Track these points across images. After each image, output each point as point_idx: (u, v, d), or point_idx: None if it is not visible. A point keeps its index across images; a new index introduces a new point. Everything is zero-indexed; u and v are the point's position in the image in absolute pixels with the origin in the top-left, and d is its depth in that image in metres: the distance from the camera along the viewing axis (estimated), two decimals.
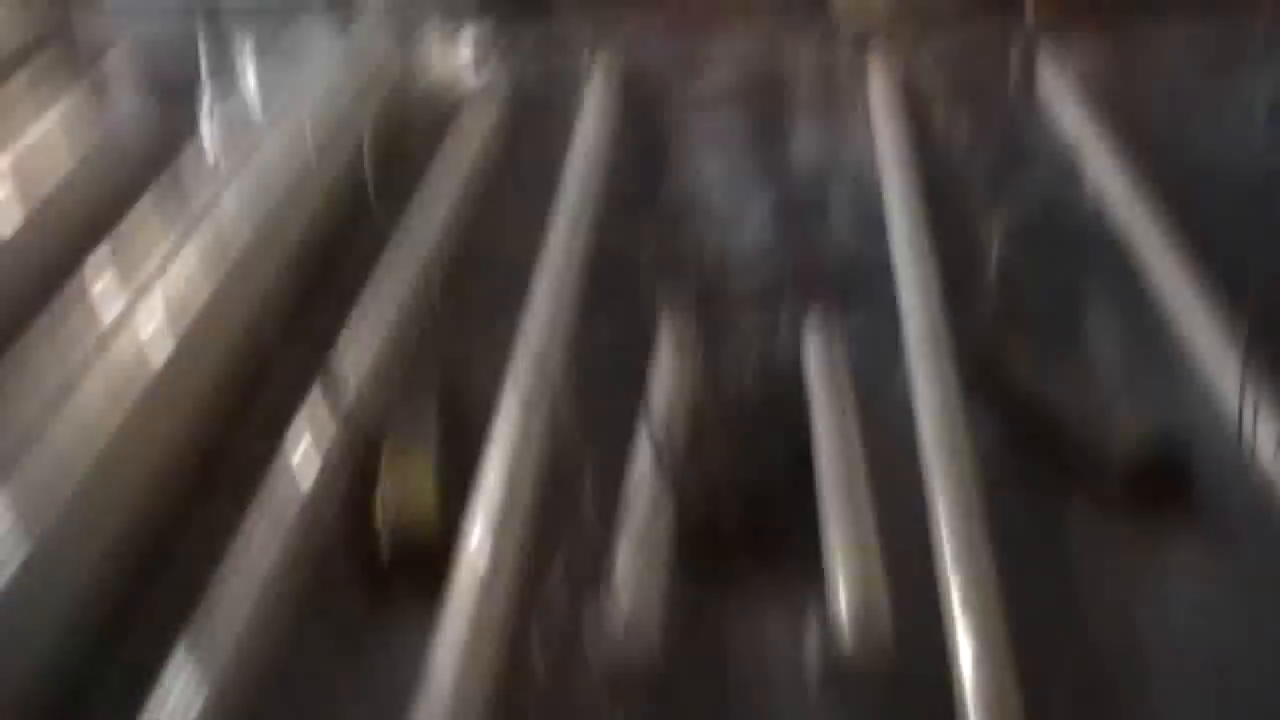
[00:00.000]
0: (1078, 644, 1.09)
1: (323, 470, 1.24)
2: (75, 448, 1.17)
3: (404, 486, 1.24)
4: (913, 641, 1.07)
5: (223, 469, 1.27)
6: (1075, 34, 2.13)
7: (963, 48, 2.13)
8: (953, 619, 1.07)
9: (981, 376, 1.37)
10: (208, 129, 1.79)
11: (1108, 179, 1.73)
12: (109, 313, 1.35)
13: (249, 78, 1.94)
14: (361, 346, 1.41)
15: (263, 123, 1.78)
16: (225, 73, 1.98)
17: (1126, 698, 1.05)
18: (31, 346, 1.31)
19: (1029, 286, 1.54)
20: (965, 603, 1.09)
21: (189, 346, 1.34)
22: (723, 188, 1.79)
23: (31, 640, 1.05)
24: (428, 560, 1.15)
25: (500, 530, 1.17)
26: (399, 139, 1.84)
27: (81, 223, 1.55)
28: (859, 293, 1.53)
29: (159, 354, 1.31)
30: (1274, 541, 1.18)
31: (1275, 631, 1.10)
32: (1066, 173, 1.78)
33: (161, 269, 1.43)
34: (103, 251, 1.48)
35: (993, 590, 1.09)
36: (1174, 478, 1.25)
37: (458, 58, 2.09)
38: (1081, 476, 1.25)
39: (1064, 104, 1.93)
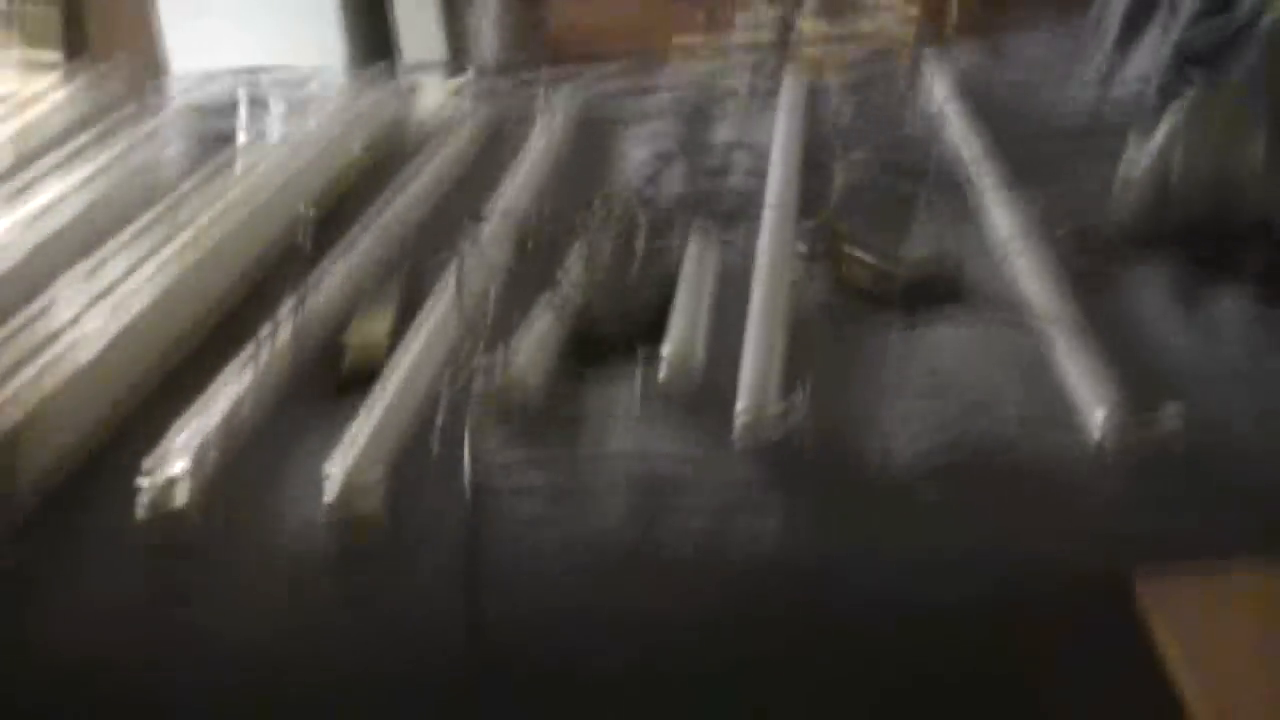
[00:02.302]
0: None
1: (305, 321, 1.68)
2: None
3: (363, 330, 1.67)
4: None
5: (235, 329, 1.71)
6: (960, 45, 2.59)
7: (865, 59, 2.58)
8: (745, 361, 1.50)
9: (813, 245, 1.79)
10: (237, 154, 2.25)
11: (957, 133, 2.16)
12: (170, 236, 1.83)
13: (274, 122, 2.43)
14: (345, 267, 1.85)
15: (275, 142, 2.25)
16: (257, 121, 2.47)
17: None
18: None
19: (868, 200, 1.96)
20: (754, 351, 1.51)
21: (211, 260, 1.81)
22: (647, 163, 2.23)
23: None
24: (374, 372, 1.57)
25: (426, 346, 1.60)
26: (387, 147, 2.31)
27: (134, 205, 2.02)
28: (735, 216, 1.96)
29: (195, 256, 1.78)
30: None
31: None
32: (927, 132, 2.21)
33: (191, 222, 1.90)
34: (154, 212, 1.95)
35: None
36: (946, 287, 1.67)
37: (442, 99, 2.56)
38: (874, 294, 1.68)
39: (937, 90, 2.37)
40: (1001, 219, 1.84)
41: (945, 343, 1.57)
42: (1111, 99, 2.25)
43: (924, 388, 1.48)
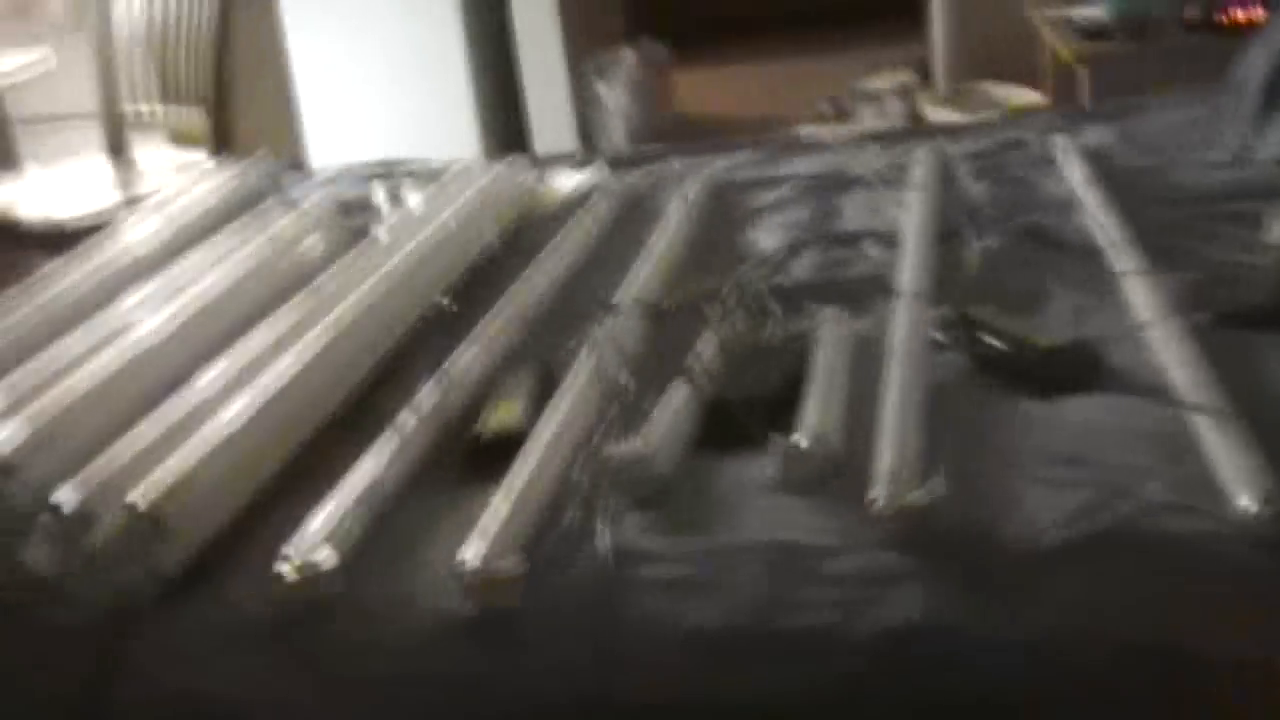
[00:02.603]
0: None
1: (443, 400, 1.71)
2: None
3: (498, 414, 1.69)
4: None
5: (372, 412, 1.74)
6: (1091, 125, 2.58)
7: (995, 143, 2.58)
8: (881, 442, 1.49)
9: (947, 329, 1.78)
10: (374, 242, 2.31)
11: (1091, 213, 2.14)
12: (310, 322, 1.89)
13: (409, 211, 2.48)
14: (480, 352, 1.88)
15: (411, 231, 2.30)
16: (393, 210, 2.53)
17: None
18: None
19: (1002, 283, 1.95)
20: (890, 434, 1.50)
21: (349, 345, 1.85)
22: (777, 247, 2.24)
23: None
24: (509, 456, 1.59)
25: (560, 430, 1.61)
26: (520, 233, 2.35)
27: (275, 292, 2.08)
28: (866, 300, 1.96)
29: (334, 341, 1.83)
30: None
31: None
32: (1060, 213, 2.19)
33: (330, 309, 1.94)
34: (294, 299, 2.01)
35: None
36: (1084, 369, 1.64)
37: (578, 179, 2.60)
38: (1010, 369, 1.66)
39: (1069, 170, 2.35)
40: (1139, 299, 1.82)
41: (1084, 424, 1.55)
42: (1249, 174, 2.21)
43: (1063, 468, 1.46)
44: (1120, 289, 1.88)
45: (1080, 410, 1.58)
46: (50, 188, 3.67)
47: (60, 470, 1.54)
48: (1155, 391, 1.59)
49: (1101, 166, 2.34)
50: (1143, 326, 1.73)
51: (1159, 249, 1.95)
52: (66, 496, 1.46)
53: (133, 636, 1.40)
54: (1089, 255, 2.00)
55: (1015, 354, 1.69)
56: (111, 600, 1.40)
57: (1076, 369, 1.65)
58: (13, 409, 1.70)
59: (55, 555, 1.44)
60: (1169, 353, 1.66)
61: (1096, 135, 2.54)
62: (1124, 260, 1.95)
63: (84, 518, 1.44)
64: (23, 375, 1.83)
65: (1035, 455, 1.50)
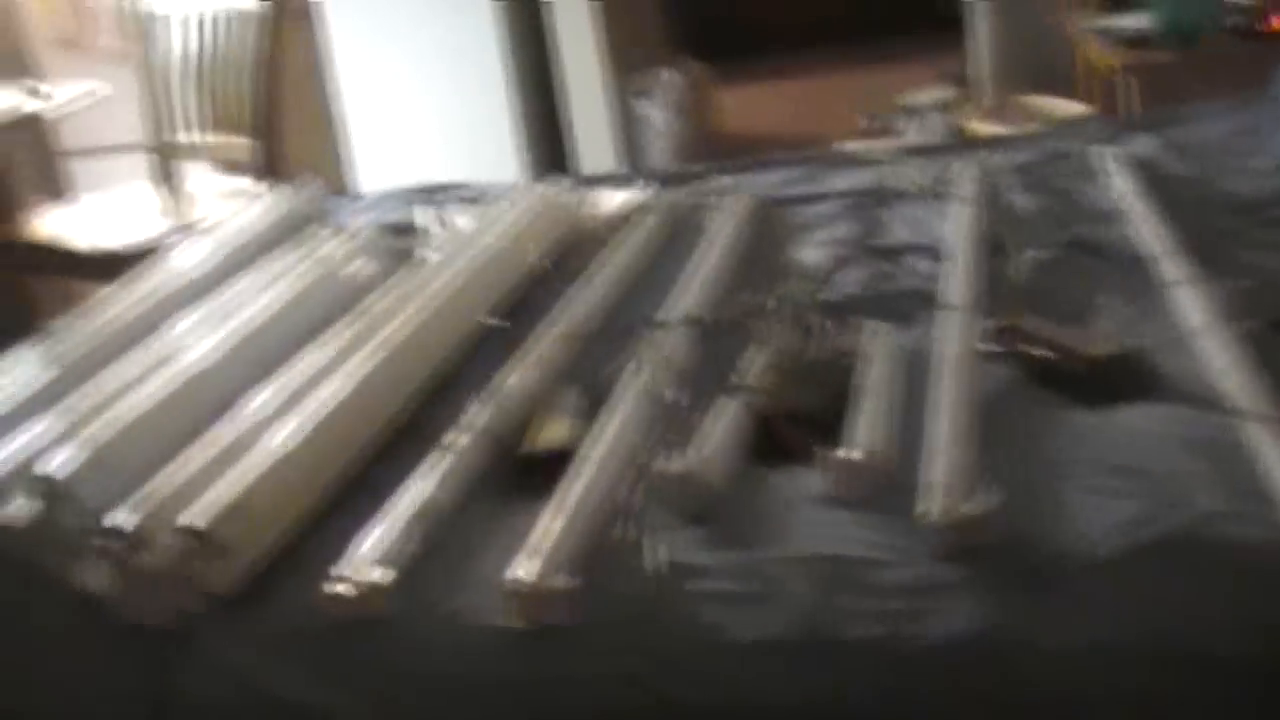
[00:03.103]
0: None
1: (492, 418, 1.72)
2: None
3: (545, 432, 1.70)
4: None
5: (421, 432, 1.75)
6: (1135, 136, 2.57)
7: (1039, 154, 2.57)
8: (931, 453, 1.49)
9: (995, 340, 1.77)
10: (420, 264, 2.32)
11: (1137, 223, 2.13)
12: (358, 344, 1.90)
13: (455, 233, 2.49)
14: (528, 370, 1.89)
15: (457, 253, 2.31)
16: (439, 233, 2.55)
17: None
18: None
19: (1049, 294, 1.94)
20: (940, 446, 1.50)
21: (397, 366, 1.86)
22: (822, 261, 2.24)
23: None
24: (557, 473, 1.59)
25: (609, 446, 1.62)
26: (564, 253, 2.36)
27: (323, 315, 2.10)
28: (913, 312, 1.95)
29: (382, 363, 1.84)
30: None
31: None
32: (1105, 223, 2.18)
33: (379, 330, 1.96)
34: (342, 321, 2.03)
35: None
36: (1133, 379, 1.63)
37: (623, 198, 2.61)
38: (1060, 380, 1.66)
39: (1114, 180, 2.34)
40: (1188, 308, 1.80)
41: (1135, 433, 1.54)
42: None
43: (1114, 478, 1.45)
44: (1169, 298, 1.87)
45: (1131, 419, 1.57)
46: (101, 215, 3.72)
47: (115, 492, 1.56)
48: (1206, 400, 1.58)
49: (1147, 176, 2.33)
50: (1192, 335, 1.72)
51: (1207, 257, 1.94)
52: (121, 518, 1.48)
53: (188, 652, 1.41)
54: (1137, 265, 2.00)
55: (1065, 364, 1.68)
56: (166, 619, 1.42)
57: (1126, 378, 1.64)
58: (68, 433, 1.72)
59: (110, 576, 1.46)
60: (1219, 361, 1.65)
61: (1141, 145, 2.52)
62: (1172, 269, 1.94)
63: (138, 539, 1.46)
64: (77, 399, 1.85)
65: (1086, 465, 1.50)
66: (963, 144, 3.36)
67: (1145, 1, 3.80)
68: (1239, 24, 3.67)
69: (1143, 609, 1.30)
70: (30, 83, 3.75)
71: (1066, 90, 4.34)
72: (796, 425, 1.63)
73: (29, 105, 3.68)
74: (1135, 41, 3.79)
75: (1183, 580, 1.31)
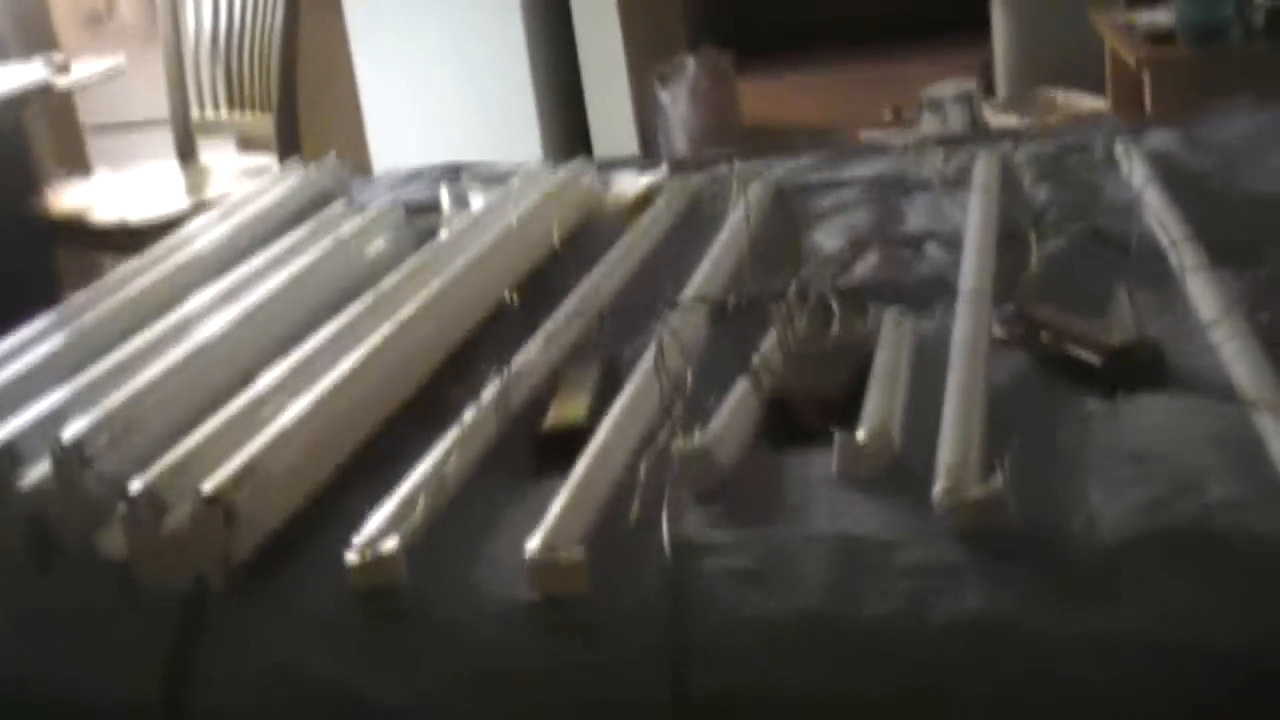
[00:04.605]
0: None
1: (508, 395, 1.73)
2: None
3: (562, 410, 1.71)
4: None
5: (438, 409, 1.76)
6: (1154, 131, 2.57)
7: (1057, 146, 2.57)
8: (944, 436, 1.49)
9: (1010, 328, 1.78)
10: (439, 244, 2.33)
11: (1155, 215, 2.13)
12: (375, 323, 1.91)
13: (474, 213, 2.50)
14: (545, 350, 1.90)
15: (475, 233, 2.32)
16: (458, 213, 2.56)
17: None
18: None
19: (1066, 282, 1.95)
20: (952, 430, 1.50)
21: (415, 344, 1.87)
22: (840, 247, 2.24)
23: None
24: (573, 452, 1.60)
25: (624, 426, 1.63)
26: (583, 235, 2.37)
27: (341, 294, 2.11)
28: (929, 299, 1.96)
29: (399, 340, 1.85)
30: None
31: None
32: (1123, 214, 2.18)
33: (396, 309, 1.97)
34: (360, 300, 2.03)
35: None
36: (1148, 370, 1.64)
37: (642, 182, 2.61)
38: (1074, 368, 1.66)
39: (1132, 172, 2.34)
40: (1204, 300, 1.81)
41: (1150, 422, 1.54)
42: None
43: (1129, 466, 1.46)
44: (1185, 288, 1.87)
45: (1145, 409, 1.57)
46: (122, 191, 3.74)
47: (135, 460, 1.58)
48: (1221, 390, 1.58)
49: (1166, 170, 2.33)
50: (1210, 325, 1.73)
51: (1224, 249, 1.94)
52: (142, 485, 1.49)
53: (206, 622, 1.43)
54: (1153, 255, 2.00)
55: (1081, 352, 1.69)
56: (185, 585, 1.43)
57: (1142, 368, 1.64)
58: (89, 402, 1.74)
59: (130, 543, 1.47)
60: (1235, 351, 1.65)
61: (1161, 140, 2.52)
62: (1189, 260, 1.94)
63: (158, 506, 1.47)
64: (98, 370, 1.87)
65: (1100, 453, 1.50)
66: (982, 135, 3.36)
67: None
68: (1262, 22, 3.66)
69: (1157, 595, 1.30)
70: (55, 57, 3.77)
71: (1090, 85, 4.33)
72: (814, 407, 1.63)
73: (53, 80, 3.70)
74: (1158, 38, 3.79)
75: (1198, 568, 1.31)
